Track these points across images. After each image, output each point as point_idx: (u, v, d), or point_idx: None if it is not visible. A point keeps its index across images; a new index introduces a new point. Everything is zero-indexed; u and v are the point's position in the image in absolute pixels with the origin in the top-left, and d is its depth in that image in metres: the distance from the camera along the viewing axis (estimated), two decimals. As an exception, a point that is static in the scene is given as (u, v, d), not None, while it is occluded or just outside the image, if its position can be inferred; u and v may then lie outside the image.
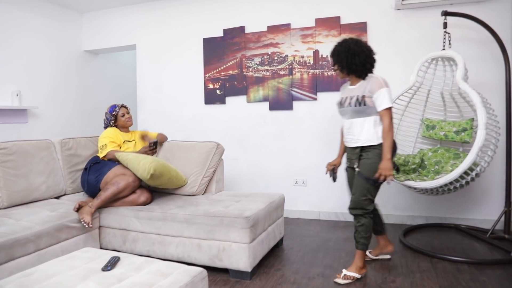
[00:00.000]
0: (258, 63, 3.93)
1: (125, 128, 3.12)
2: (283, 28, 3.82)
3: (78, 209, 2.53)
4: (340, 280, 2.26)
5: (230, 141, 4.05)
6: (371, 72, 2.32)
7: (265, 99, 3.92)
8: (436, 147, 3.15)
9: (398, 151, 3.26)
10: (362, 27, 3.54)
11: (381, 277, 2.35)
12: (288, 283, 2.29)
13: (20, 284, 1.39)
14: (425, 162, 3.11)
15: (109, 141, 2.93)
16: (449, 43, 3.03)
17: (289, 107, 3.83)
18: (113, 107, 3.08)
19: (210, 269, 2.36)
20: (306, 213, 3.82)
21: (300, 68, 3.78)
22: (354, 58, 2.24)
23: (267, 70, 3.90)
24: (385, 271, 2.43)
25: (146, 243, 2.57)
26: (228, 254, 2.33)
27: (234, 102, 4.06)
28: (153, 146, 2.99)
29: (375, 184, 2.25)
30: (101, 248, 2.70)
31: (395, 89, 3.14)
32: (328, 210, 3.75)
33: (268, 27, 3.88)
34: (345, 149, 2.53)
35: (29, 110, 4.01)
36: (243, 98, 4.02)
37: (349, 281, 2.26)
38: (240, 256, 2.30)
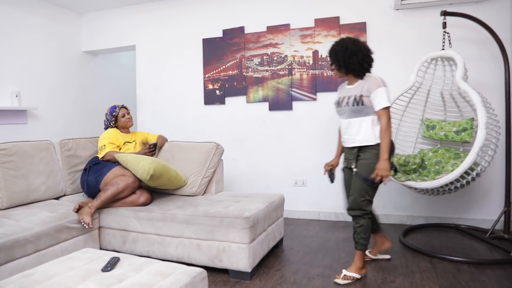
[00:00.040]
0: (257, 63, 3.93)
1: (125, 128, 3.13)
2: (283, 28, 3.82)
3: (78, 209, 2.53)
4: (340, 281, 2.26)
5: (230, 142, 4.05)
6: (369, 71, 2.30)
7: (264, 100, 3.92)
8: (437, 147, 3.15)
9: (399, 152, 3.26)
10: (361, 27, 3.54)
11: (381, 277, 2.35)
12: (288, 284, 2.29)
13: (20, 285, 1.39)
14: (426, 162, 3.11)
15: (107, 142, 2.93)
16: (449, 43, 3.02)
17: (288, 107, 3.83)
18: (113, 108, 3.08)
19: (210, 270, 2.36)
20: (306, 213, 3.82)
21: (299, 68, 3.78)
22: (351, 58, 2.23)
23: (267, 71, 3.90)
24: (385, 271, 2.43)
25: (146, 244, 2.57)
26: (228, 255, 2.32)
27: (234, 103, 4.06)
28: (153, 148, 3.00)
29: (373, 185, 2.22)
30: (101, 248, 2.70)
31: (395, 89, 3.14)
32: (328, 210, 3.75)
33: (268, 27, 3.88)
34: (342, 149, 2.50)
35: (28, 111, 4.00)
36: (242, 99, 4.02)
37: (349, 281, 2.26)
38: (240, 256, 2.30)
